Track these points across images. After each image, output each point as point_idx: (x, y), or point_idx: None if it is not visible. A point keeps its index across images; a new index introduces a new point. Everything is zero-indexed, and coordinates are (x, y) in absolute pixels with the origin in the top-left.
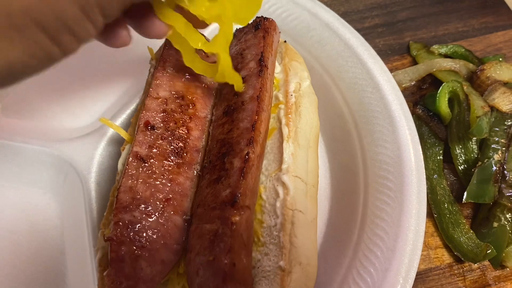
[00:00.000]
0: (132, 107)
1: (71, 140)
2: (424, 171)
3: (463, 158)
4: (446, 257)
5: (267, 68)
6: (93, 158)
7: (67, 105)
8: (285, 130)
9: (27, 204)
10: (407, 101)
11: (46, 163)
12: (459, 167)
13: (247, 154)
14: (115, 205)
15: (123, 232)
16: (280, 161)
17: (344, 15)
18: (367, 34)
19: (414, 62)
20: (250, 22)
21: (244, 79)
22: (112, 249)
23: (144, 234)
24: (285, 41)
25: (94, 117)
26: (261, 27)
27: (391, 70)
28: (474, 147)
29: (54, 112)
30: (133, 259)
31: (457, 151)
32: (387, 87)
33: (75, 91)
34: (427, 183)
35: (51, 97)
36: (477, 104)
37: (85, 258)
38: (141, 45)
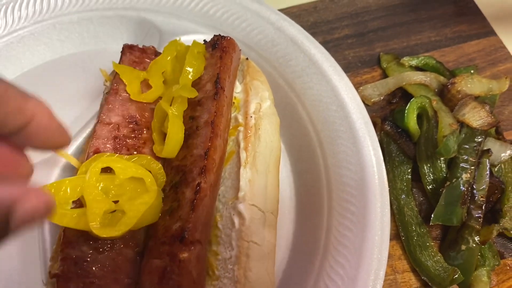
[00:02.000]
0: (87, 131)
1: None
2: (388, 194)
3: (432, 177)
4: (413, 281)
5: (224, 91)
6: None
7: None
8: (243, 155)
9: None
10: (376, 117)
11: None
12: (428, 186)
13: (199, 184)
14: (62, 240)
15: (70, 268)
16: (237, 188)
17: (313, 25)
18: (337, 45)
19: (385, 75)
20: (207, 41)
21: (200, 102)
22: (59, 286)
23: (94, 269)
24: (247, 58)
25: None
26: (219, 46)
27: (360, 83)
28: (442, 166)
29: None
30: None
31: (426, 170)
32: (352, 105)
33: None
34: (394, 203)
35: None
36: (445, 122)
37: None
38: (97, 64)
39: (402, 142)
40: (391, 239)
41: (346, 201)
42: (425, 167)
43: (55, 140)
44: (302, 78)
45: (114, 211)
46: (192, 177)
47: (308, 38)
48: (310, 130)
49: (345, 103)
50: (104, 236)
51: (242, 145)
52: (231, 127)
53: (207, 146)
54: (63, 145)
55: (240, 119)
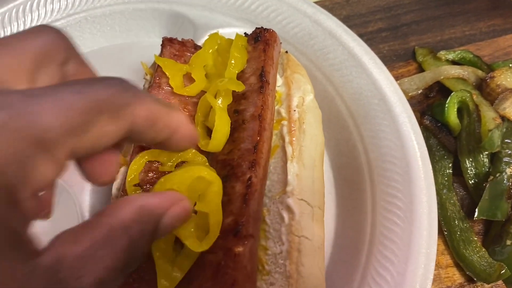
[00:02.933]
0: None
1: None
2: (435, 189)
3: (474, 172)
4: (457, 277)
5: (269, 84)
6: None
7: None
8: (289, 149)
9: None
10: (414, 111)
11: None
12: (470, 181)
13: (250, 178)
14: None
15: None
16: (285, 182)
17: (346, 19)
18: (371, 39)
19: (420, 69)
20: (249, 34)
21: (244, 95)
22: None
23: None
24: (286, 52)
25: None
26: (261, 39)
27: (396, 77)
28: (485, 160)
29: None
30: None
31: (467, 164)
32: (394, 99)
33: None
34: (436, 198)
35: None
36: (488, 116)
37: None
38: (135, 57)
39: (442, 136)
40: None
41: (392, 196)
42: (467, 162)
43: (189, 145)
44: (341, 71)
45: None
46: (241, 171)
47: (346, 31)
48: (350, 124)
49: (387, 97)
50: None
51: (287, 139)
52: (274, 121)
53: (256, 140)
54: (192, 147)
55: (283, 113)
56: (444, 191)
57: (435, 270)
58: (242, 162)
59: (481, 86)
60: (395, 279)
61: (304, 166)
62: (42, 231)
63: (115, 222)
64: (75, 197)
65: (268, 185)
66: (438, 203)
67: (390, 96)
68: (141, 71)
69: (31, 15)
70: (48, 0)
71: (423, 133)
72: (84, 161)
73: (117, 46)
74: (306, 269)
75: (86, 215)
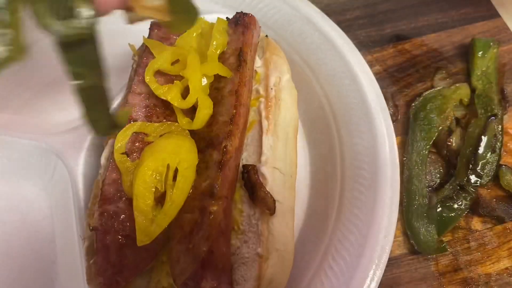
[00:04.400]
0: (117, 102)
1: (59, 134)
2: (398, 162)
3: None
4: (401, 244)
5: (246, 63)
6: (80, 151)
7: (56, 99)
8: (264, 123)
9: (18, 195)
10: (387, 92)
11: (35, 156)
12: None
13: (225, 147)
14: (100, 197)
15: (107, 222)
16: (260, 153)
17: (326, 7)
18: (349, 26)
19: (397, 53)
20: (230, 18)
21: None
22: (98, 238)
23: (128, 224)
24: (266, 36)
25: None
26: (241, 23)
27: (371, 62)
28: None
29: (43, 106)
30: (118, 248)
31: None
32: (364, 79)
33: (64, 85)
34: (406, 172)
35: (40, 91)
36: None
37: (73, 247)
38: (123, 41)
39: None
40: None
41: (359, 167)
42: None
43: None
44: (317, 55)
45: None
46: (218, 141)
47: (323, 17)
48: (324, 103)
49: (358, 77)
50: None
51: (263, 114)
52: (252, 98)
53: (232, 113)
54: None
55: (261, 91)
56: (416, 168)
57: (400, 237)
58: (220, 133)
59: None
60: (358, 240)
61: (278, 138)
62: (42, 201)
63: None
64: (69, 168)
65: (245, 156)
66: (406, 177)
67: (361, 77)
68: (131, 54)
69: None
70: None
71: (410, 115)
72: None
73: (109, 32)
74: (276, 228)
75: (80, 185)
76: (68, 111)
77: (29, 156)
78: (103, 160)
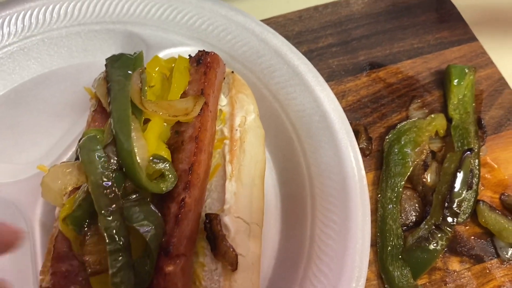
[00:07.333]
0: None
1: (16, 182)
2: (369, 204)
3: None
4: None
5: (208, 106)
6: (37, 199)
7: (16, 140)
8: (228, 168)
9: None
10: (359, 124)
11: None
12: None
13: (183, 199)
14: (52, 254)
15: (60, 282)
16: (223, 201)
17: (298, 35)
18: (321, 54)
19: (371, 82)
20: (192, 56)
21: None
22: None
23: (84, 283)
24: (232, 72)
25: (43, 152)
26: (203, 62)
27: (344, 91)
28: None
29: (3, 148)
30: None
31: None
32: (334, 116)
33: (25, 127)
34: (380, 210)
35: (1, 134)
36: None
37: None
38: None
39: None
40: None
41: (329, 210)
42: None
43: None
44: (286, 89)
45: None
46: (177, 192)
47: (292, 50)
48: (294, 140)
49: (328, 114)
50: None
51: (227, 158)
52: (216, 140)
53: (192, 161)
54: None
55: (226, 132)
56: (390, 206)
57: (374, 280)
58: (179, 183)
59: None
60: None
61: (242, 184)
62: None
63: None
64: (26, 217)
65: (208, 203)
66: (380, 216)
67: (331, 113)
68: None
69: None
70: (5, 23)
71: (385, 148)
72: None
73: (75, 66)
74: (239, 284)
75: (37, 236)
76: (28, 153)
77: None
78: (57, 210)
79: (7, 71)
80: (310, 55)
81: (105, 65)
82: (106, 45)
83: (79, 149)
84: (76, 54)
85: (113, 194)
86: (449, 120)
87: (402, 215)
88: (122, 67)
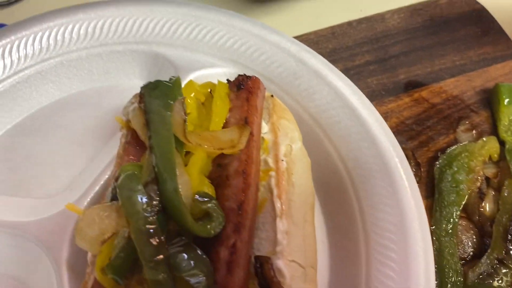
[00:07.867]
0: (106, 177)
1: (39, 220)
2: (430, 239)
3: None
4: None
5: (253, 136)
6: (63, 239)
7: (35, 172)
8: (277, 204)
9: None
10: (406, 149)
11: (11, 246)
12: None
13: (234, 244)
14: None
15: None
16: (274, 241)
17: (332, 53)
18: (358, 73)
19: (413, 103)
20: (231, 81)
21: None
22: None
23: None
24: (272, 96)
25: (64, 185)
26: (244, 87)
27: (385, 113)
28: None
29: (21, 181)
30: None
31: None
32: (385, 142)
33: (44, 157)
34: (435, 243)
35: (17, 165)
36: None
37: None
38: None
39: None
40: None
41: (386, 247)
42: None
43: None
44: (328, 112)
45: None
46: (226, 235)
47: (333, 70)
48: (340, 168)
49: (378, 140)
50: None
51: (275, 192)
52: (261, 172)
53: (240, 199)
54: None
55: (271, 162)
56: (446, 238)
57: None
58: (226, 224)
59: None
60: None
61: (293, 222)
62: None
63: None
64: (51, 258)
65: (256, 243)
66: (436, 249)
67: (381, 140)
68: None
69: (3, 61)
70: (21, 45)
71: (435, 175)
72: None
73: (96, 89)
74: None
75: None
76: (48, 186)
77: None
78: (89, 256)
79: (24, 96)
80: (347, 74)
81: (141, 93)
82: (129, 67)
83: (117, 189)
84: (97, 77)
85: (158, 241)
86: (500, 142)
87: (459, 248)
88: (161, 96)
